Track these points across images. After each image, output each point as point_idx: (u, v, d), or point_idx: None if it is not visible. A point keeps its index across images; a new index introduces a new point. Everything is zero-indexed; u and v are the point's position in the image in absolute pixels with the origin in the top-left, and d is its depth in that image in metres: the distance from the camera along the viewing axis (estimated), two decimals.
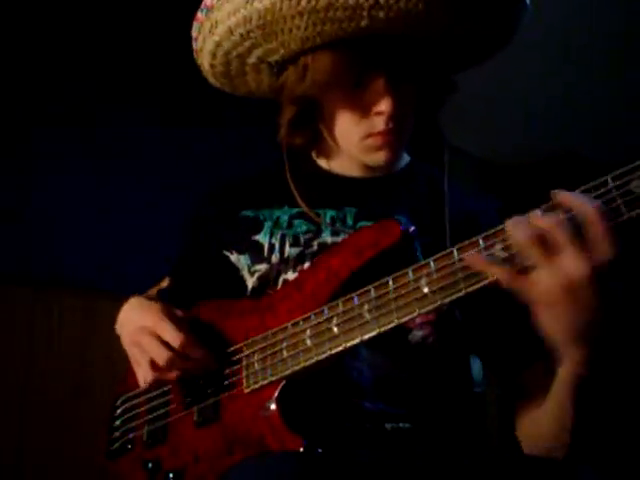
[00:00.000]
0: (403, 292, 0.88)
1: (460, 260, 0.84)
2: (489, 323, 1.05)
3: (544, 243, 0.76)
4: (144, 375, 1.03)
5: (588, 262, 0.75)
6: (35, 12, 2.20)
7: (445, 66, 1.11)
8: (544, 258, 0.76)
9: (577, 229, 0.75)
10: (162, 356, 0.99)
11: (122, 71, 2.37)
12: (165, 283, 1.32)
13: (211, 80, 1.18)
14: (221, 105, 2.39)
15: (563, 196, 0.78)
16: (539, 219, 0.77)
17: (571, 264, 0.75)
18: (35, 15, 2.20)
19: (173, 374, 1.02)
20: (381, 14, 0.94)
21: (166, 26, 2.14)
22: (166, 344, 1.00)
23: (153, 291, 1.31)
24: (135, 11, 2.37)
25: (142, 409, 1.12)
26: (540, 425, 0.96)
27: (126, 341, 1.07)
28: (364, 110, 1.06)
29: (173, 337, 1.00)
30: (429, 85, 1.10)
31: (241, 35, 1.02)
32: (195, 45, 1.10)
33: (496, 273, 0.79)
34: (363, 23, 0.96)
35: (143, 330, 1.02)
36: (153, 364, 1.01)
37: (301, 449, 0.89)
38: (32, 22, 2.20)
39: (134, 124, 2.37)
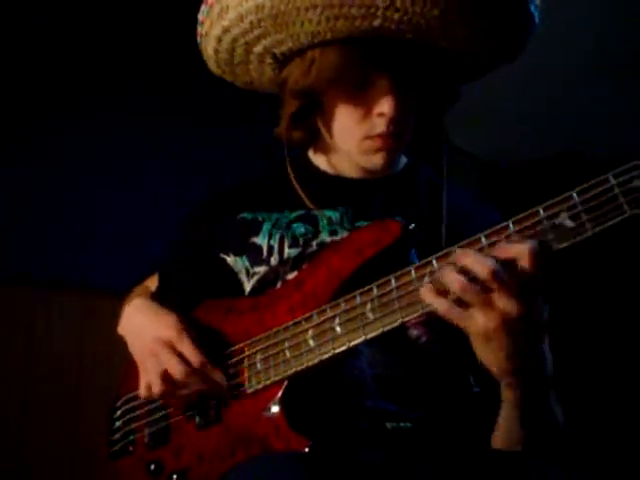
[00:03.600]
0: (406, 291, 0.88)
1: None
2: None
3: (476, 286, 0.79)
4: (153, 386, 1.02)
5: (520, 301, 0.79)
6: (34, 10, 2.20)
7: (450, 76, 1.10)
8: (477, 300, 0.80)
9: (507, 270, 0.78)
10: (180, 372, 0.99)
11: (119, 68, 2.36)
12: (150, 282, 1.31)
13: (212, 66, 1.16)
14: (219, 104, 2.40)
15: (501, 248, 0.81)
16: (468, 264, 0.80)
17: (503, 304, 0.79)
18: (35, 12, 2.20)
19: (184, 391, 1.02)
20: (396, 16, 0.94)
21: (170, 22, 2.13)
22: (184, 359, 1.00)
23: (139, 290, 1.30)
24: (137, 10, 2.37)
25: (143, 410, 1.12)
26: (498, 434, 0.98)
27: (137, 348, 1.07)
28: (366, 110, 1.06)
29: (192, 355, 1.00)
30: (432, 93, 1.10)
31: (251, 23, 1.01)
32: (201, 29, 1.08)
33: (435, 304, 0.82)
34: (376, 23, 0.95)
35: (159, 341, 1.01)
36: (165, 377, 1.00)
37: (306, 449, 0.89)
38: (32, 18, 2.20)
39: (133, 124, 2.37)
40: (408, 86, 1.05)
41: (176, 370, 0.99)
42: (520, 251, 0.78)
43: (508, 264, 0.79)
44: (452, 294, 0.81)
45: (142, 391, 1.04)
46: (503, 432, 0.96)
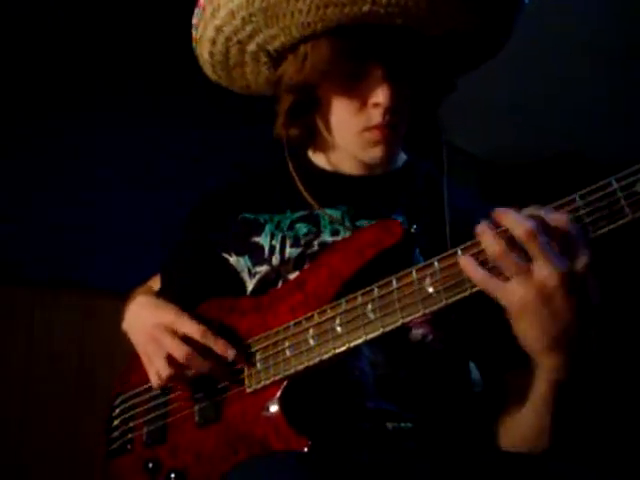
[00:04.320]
0: (407, 292, 0.88)
1: None
2: (479, 325, 1.05)
3: (515, 253, 0.77)
4: (160, 371, 1.02)
5: (559, 271, 0.76)
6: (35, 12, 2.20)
7: (444, 64, 1.10)
8: (516, 268, 0.78)
9: (547, 237, 0.76)
10: (182, 351, 0.99)
11: (119, 69, 2.37)
12: (152, 282, 1.31)
13: (208, 71, 1.17)
14: (219, 104, 2.40)
15: (531, 209, 0.79)
16: (510, 228, 0.78)
17: (542, 274, 0.76)
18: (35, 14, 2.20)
19: (190, 371, 1.01)
20: None
21: (170, 21, 2.13)
22: (185, 340, 1.00)
23: (141, 290, 1.30)
24: (136, 10, 2.37)
25: (141, 409, 1.11)
26: (518, 427, 0.97)
27: (139, 339, 1.07)
28: (361, 101, 1.05)
29: (194, 329, 1.00)
30: (427, 82, 1.10)
31: (243, 19, 1.01)
32: (195, 33, 1.09)
33: (473, 275, 0.81)
34: (365, 8, 0.95)
35: (159, 327, 1.02)
36: (170, 360, 1.00)
37: (305, 449, 0.88)
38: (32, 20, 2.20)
39: (133, 124, 2.37)
40: (402, 75, 1.05)
41: (179, 352, 0.99)
42: (559, 217, 0.77)
43: (548, 227, 0.77)
44: (489, 262, 0.80)
45: (153, 381, 1.03)
46: (529, 415, 0.93)
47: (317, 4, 0.96)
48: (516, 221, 0.77)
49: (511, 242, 0.78)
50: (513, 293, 0.79)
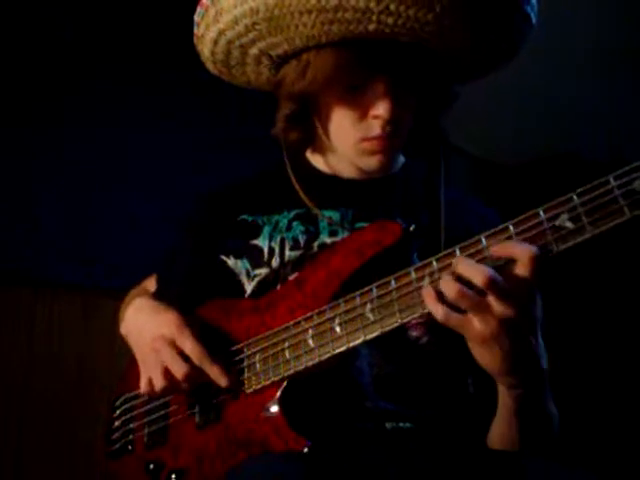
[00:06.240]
0: (405, 292, 0.88)
1: None
2: None
3: (472, 293, 0.80)
4: (154, 381, 1.02)
5: (517, 305, 0.79)
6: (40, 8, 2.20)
7: (447, 77, 1.10)
8: (474, 306, 0.80)
9: (503, 276, 0.79)
10: (180, 368, 0.99)
11: (116, 64, 2.36)
12: (148, 283, 1.31)
13: (209, 66, 1.17)
14: (219, 104, 2.40)
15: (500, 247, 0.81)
16: (464, 272, 0.80)
17: (500, 309, 0.79)
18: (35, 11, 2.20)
19: (184, 387, 1.01)
20: (390, 20, 0.94)
21: (171, 20, 2.14)
22: (184, 356, 1.00)
23: (136, 292, 1.30)
24: (137, 9, 2.37)
25: (142, 410, 1.12)
26: (493, 437, 0.99)
27: (139, 346, 1.07)
28: (362, 112, 1.06)
29: (193, 351, 1.00)
30: (429, 94, 1.10)
31: (246, 26, 1.02)
32: (197, 31, 1.09)
33: (434, 311, 0.83)
34: (371, 27, 0.96)
35: (161, 339, 1.01)
36: (166, 374, 1.00)
37: (305, 449, 0.89)
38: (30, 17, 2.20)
39: (134, 125, 2.37)
40: (404, 88, 1.05)
41: (176, 367, 0.99)
42: (521, 253, 0.78)
43: (505, 268, 0.79)
44: (449, 301, 0.81)
45: (143, 387, 1.04)
46: (499, 433, 0.97)
47: (322, 20, 0.96)
48: (472, 269, 0.80)
49: (463, 287, 0.80)
50: (474, 327, 0.81)
